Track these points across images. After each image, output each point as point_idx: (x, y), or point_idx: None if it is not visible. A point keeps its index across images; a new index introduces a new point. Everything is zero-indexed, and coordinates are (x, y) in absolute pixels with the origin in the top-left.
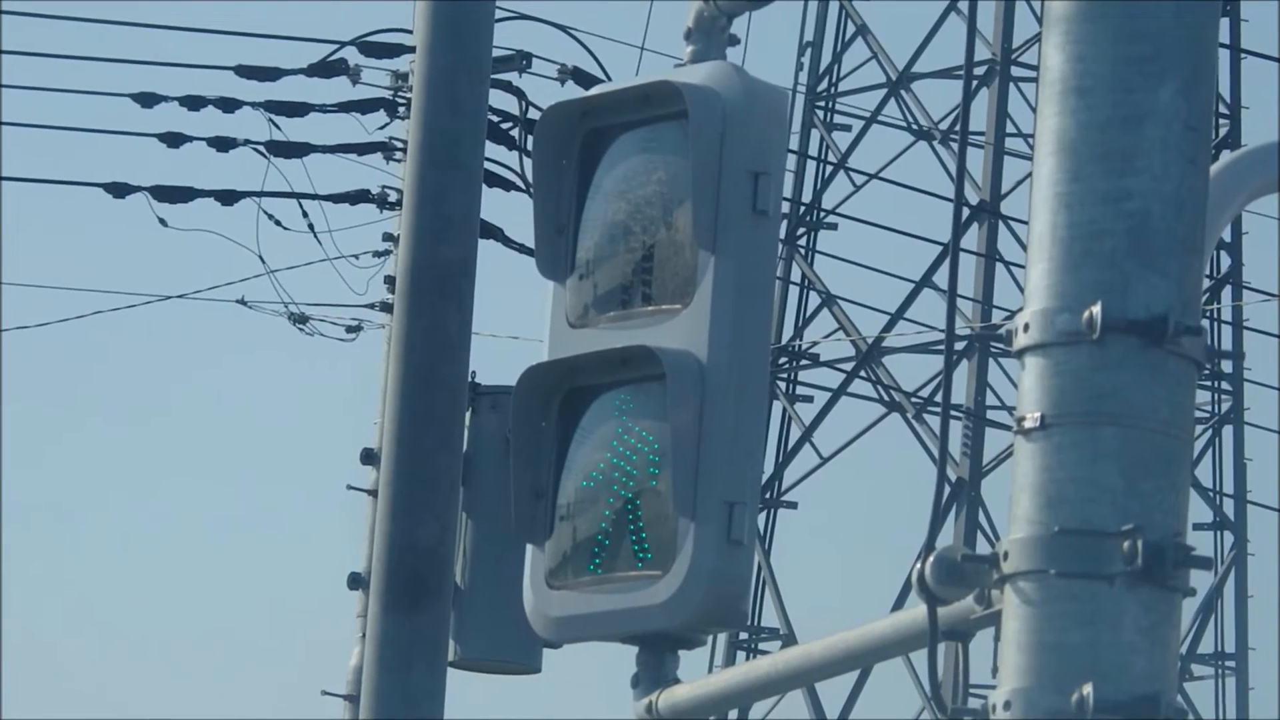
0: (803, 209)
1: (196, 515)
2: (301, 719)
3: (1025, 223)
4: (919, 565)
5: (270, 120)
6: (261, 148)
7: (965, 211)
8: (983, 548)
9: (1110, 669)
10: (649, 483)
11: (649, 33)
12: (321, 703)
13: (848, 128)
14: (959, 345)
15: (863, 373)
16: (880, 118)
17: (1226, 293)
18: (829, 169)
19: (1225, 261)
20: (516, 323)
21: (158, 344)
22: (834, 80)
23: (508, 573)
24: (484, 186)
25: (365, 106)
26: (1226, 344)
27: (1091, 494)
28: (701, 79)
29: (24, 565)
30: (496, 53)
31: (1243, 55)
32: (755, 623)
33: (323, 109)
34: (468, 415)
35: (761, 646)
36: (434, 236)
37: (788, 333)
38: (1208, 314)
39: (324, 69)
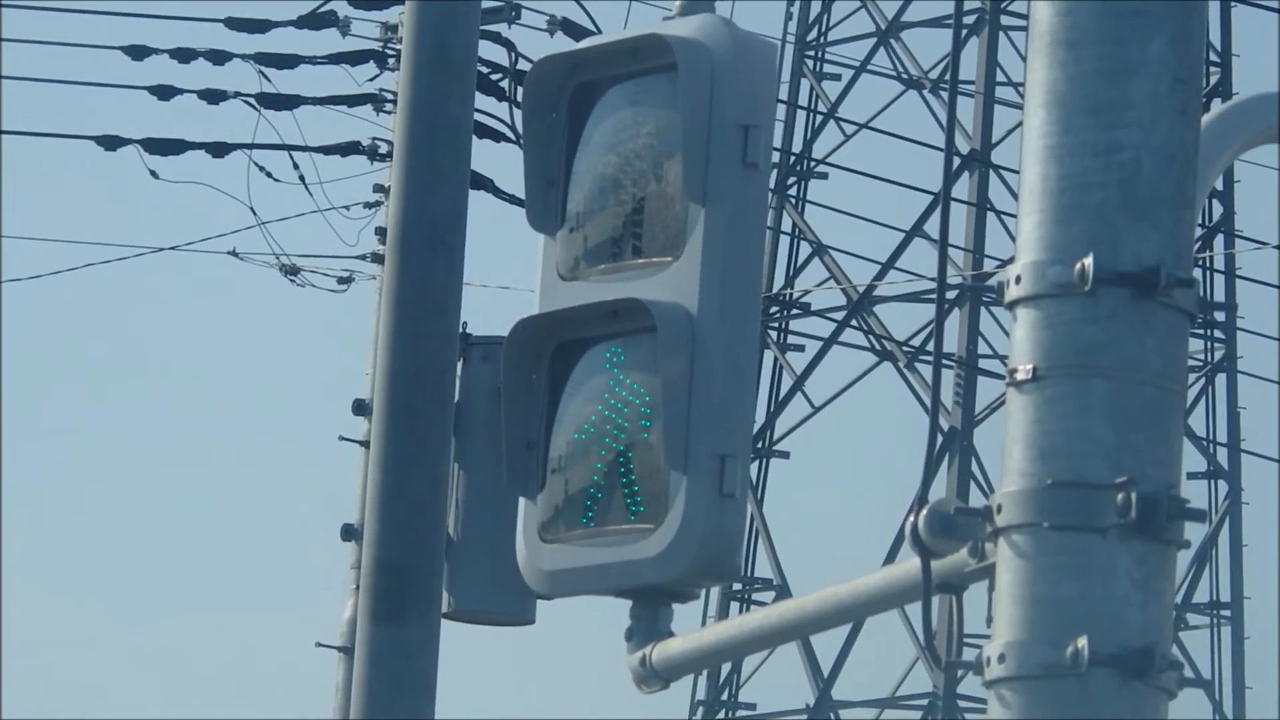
0: (793, 159)
1: (188, 467)
2: (295, 670)
3: (1016, 172)
4: (912, 518)
5: (260, 72)
6: (252, 100)
7: (956, 161)
8: (976, 497)
9: (1104, 621)
10: (640, 435)
11: None
12: (315, 654)
13: (837, 77)
14: (950, 294)
15: (854, 322)
16: (870, 67)
17: (1219, 241)
18: (819, 118)
19: (1217, 210)
20: (508, 273)
21: (149, 296)
22: (823, 29)
23: (500, 524)
24: (474, 138)
25: (355, 58)
26: (1220, 293)
27: (1084, 446)
28: (690, 32)
29: (12, 513)
30: (485, 4)
31: (1233, 3)
32: (749, 574)
33: (313, 61)
34: (459, 366)
35: (755, 597)
36: (424, 188)
37: (779, 282)
38: (1200, 263)
39: (314, 21)
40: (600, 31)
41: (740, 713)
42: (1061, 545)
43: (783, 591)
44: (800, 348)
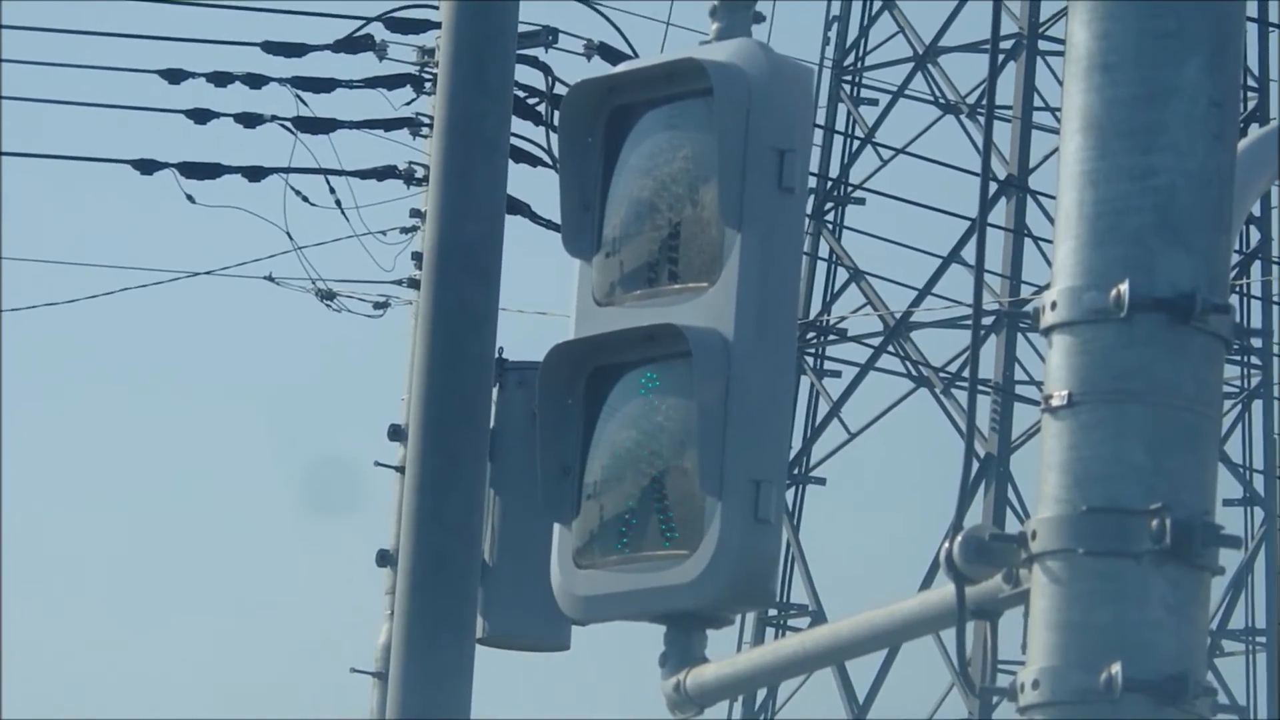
0: (830, 184)
1: (222, 491)
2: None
3: (1053, 197)
4: (947, 544)
5: (297, 96)
6: (288, 124)
7: (992, 186)
8: (1012, 524)
9: (1138, 648)
10: (675, 461)
11: (674, 8)
12: (350, 679)
13: (875, 102)
14: (987, 320)
15: (891, 348)
16: (907, 92)
17: (1256, 267)
18: (856, 144)
19: (1254, 236)
20: (544, 298)
21: (185, 320)
22: (860, 54)
23: (535, 549)
24: (510, 162)
25: (392, 82)
26: (1256, 320)
27: (1119, 472)
28: (727, 56)
29: (49, 535)
30: (522, 28)
31: (1271, 29)
32: (785, 599)
33: (349, 85)
34: (495, 391)
35: (791, 623)
36: (461, 212)
37: (816, 308)
38: (1236, 289)
39: (351, 44)
40: (637, 56)
41: None
42: (1096, 571)
43: (818, 617)
44: (837, 373)
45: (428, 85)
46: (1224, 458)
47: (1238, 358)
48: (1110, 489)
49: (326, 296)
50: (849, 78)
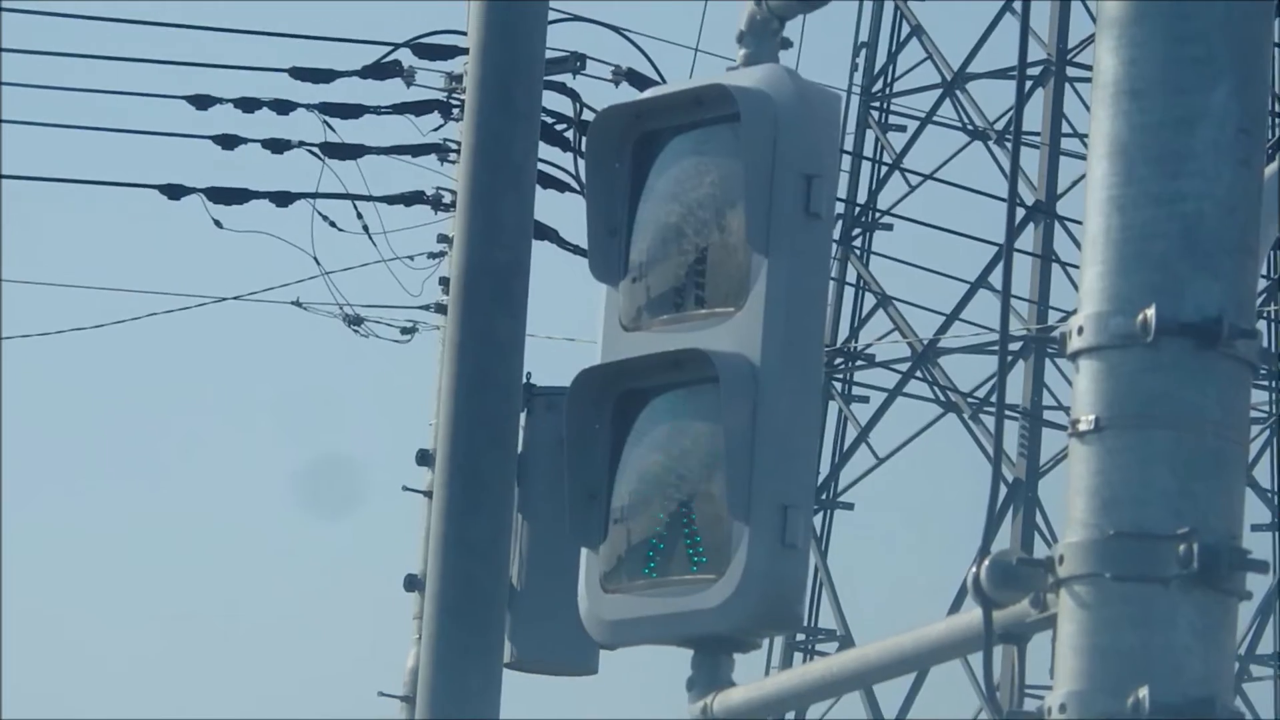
0: (858, 210)
1: (249, 517)
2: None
3: (1081, 223)
4: (974, 569)
5: (325, 122)
6: (316, 149)
7: (1020, 212)
8: (1040, 549)
9: (1165, 672)
10: (703, 486)
11: (702, 34)
12: (378, 703)
13: (903, 128)
14: (1015, 346)
15: (918, 373)
16: (935, 118)
17: None
18: (884, 169)
19: None
20: (571, 324)
21: (212, 345)
22: (889, 80)
23: (563, 574)
24: (538, 188)
25: (419, 108)
26: None
27: (1146, 497)
28: (754, 82)
29: (74, 560)
30: (550, 54)
31: None
32: (812, 624)
33: (377, 110)
34: (523, 416)
35: (819, 648)
36: (488, 238)
37: (843, 333)
38: (1263, 314)
39: (378, 70)
40: (665, 81)
41: None
42: (1123, 595)
43: (846, 642)
44: (865, 399)
45: (455, 111)
46: (1251, 482)
47: (1265, 383)
48: (1137, 514)
49: (354, 322)
50: (877, 103)
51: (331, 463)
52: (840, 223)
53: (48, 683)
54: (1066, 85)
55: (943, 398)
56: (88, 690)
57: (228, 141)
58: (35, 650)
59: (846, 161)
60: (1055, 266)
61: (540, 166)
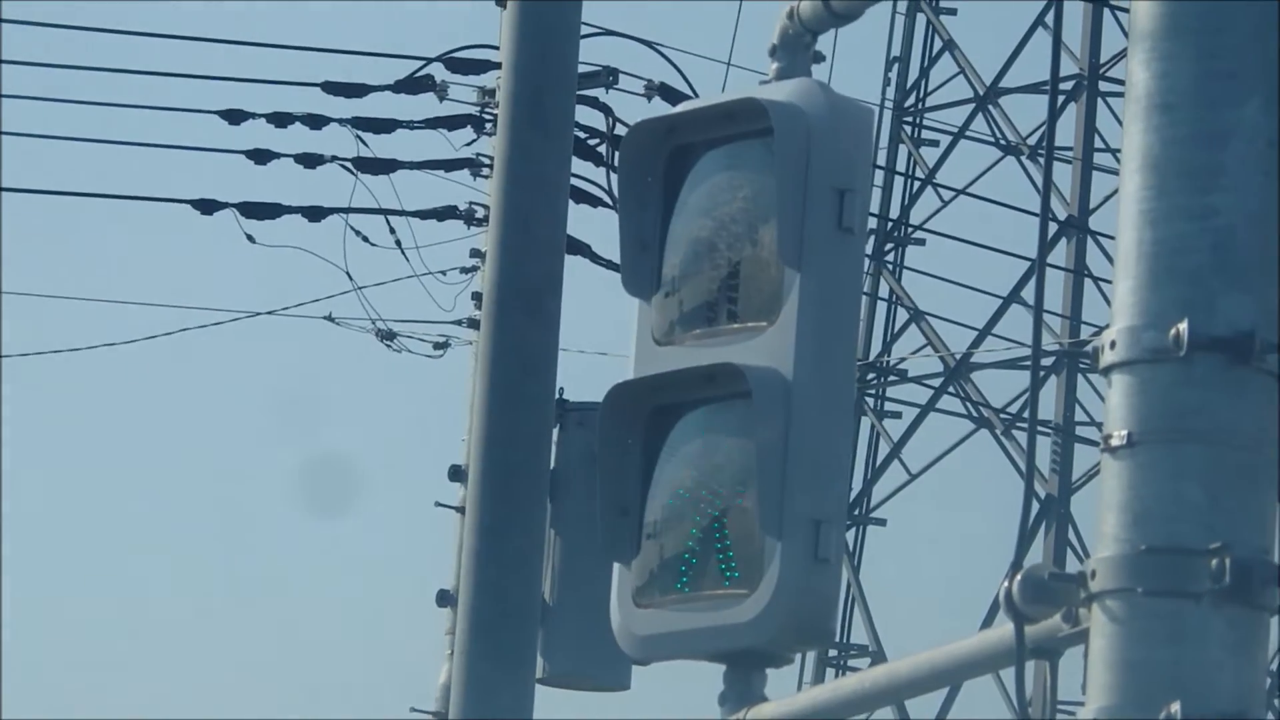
0: (890, 224)
1: (281, 532)
2: None
3: (1113, 238)
4: (1006, 584)
5: (357, 136)
6: (349, 164)
7: (1053, 227)
8: (1072, 565)
9: (1197, 687)
10: (735, 500)
11: (735, 48)
12: (410, 719)
13: (935, 143)
14: (1047, 361)
15: (951, 388)
16: (968, 133)
17: None
18: (917, 184)
19: None
20: (604, 339)
21: (245, 360)
22: (921, 95)
23: (596, 589)
24: (571, 203)
25: (452, 123)
26: None
27: (1178, 512)
28: (786, 96)
29: (108, 572)
30: (583, 69)
31: None
32: (845, 640)
33: (410, 125)
34: (555, 431)
35: (851, 663)
36: (521, 253)
37: (876, 348)
38: None
39: (411, 85)
40: (697, 96)
41: None
42: (1155, 610)
43: (878, 657)
44: (897, 414)
45: (488, 126)
46: None
47: None
48: (1169, 528)
49: (386, 336)
50: (910, 118)
51: (363, 477)
52: (873, 238)
53: (56, 688)
54: (1099, 99)
55: (975, 413)
56: (100, 693)
57: (260, 156)
58: (55, 654)
59: (879, 176)
60: (1088, 281)
61: (573, 181)
